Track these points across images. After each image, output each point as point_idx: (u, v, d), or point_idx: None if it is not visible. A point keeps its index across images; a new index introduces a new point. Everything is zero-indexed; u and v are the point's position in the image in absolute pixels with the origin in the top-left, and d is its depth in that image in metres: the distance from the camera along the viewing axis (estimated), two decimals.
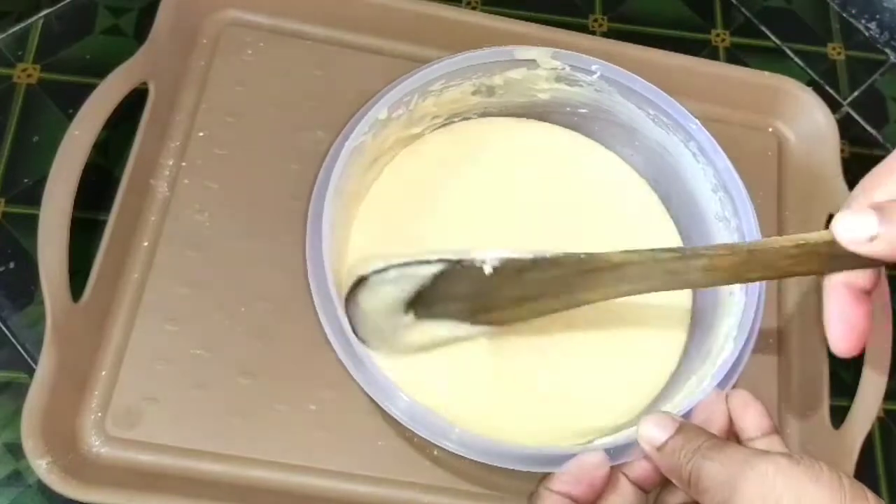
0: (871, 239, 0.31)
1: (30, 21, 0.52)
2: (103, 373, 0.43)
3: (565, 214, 0.48)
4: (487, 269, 0.39)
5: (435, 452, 0.43)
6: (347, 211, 0.45)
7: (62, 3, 0.53)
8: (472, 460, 0.38)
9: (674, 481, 0.35)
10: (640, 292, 0.39)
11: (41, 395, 0.39)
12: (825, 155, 0.52)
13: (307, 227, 0.42)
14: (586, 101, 0.49)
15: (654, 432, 0.35)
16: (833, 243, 0.32)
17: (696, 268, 0.37)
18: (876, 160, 0.34)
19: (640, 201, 0.50)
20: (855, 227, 0.31)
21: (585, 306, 0.41)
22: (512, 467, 0.38)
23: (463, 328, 0.42)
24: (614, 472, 0.37)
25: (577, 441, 0.42)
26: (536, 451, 0.38)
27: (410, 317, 0.41)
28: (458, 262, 0.39)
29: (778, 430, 0.37)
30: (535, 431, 0.42)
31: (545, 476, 0.38)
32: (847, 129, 0.57)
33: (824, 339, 0.47)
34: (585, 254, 0.38)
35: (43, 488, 0.41)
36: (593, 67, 0.46)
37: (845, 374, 0.50)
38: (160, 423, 0.42)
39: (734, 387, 0.40)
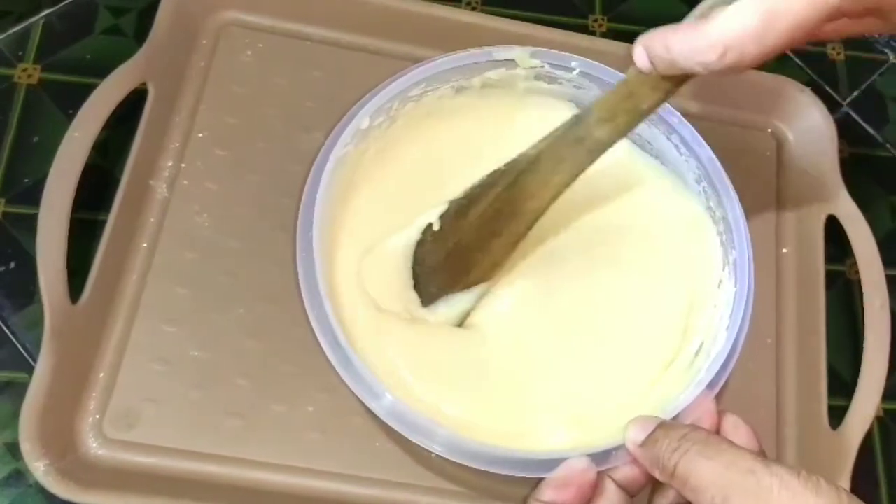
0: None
1: (30, 21, 0.52)
2: (102, 374, 0.43)
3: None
4: (436, 226, 0.42)
5: (432, 455, 0.43)
6: (334, 217, 0.45)
7: (63, 4, 0.53)
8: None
9: (657, 475, 0.35)
10: (572, 177, 0.39)
11: (39, 397, 0.40)
12: (824, 155, 0.51)
13: (296, 241, 0.41)
14: (565, 99, 0.49)
15: (636, 432, 0.37)
16: None
17: (593, 123, 0.37)
18: (875, 160, 0.34)
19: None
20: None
21: (579, 310, 0.44)
22: (498, 472, 0.38)
23: (460, 299, 0.44)
24: (601, 476, 0.38)
25: (573, 436, 0.42)
26: (523, 455, 0.38)
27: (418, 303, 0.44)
28: (426, 228, 0.42)
29: (765, 454, 0.37)
30: (533, 429, 0.42)
31: (538, 483, 0.38)
32: (846, 129, 0.57)
33: (823, 339, 0.48)
34: (505, 164, 0.40)
35: (43, 488, 0.41)
36: (573, 64, 0.46)
37: (844, 374, 0.50)
38: (158, 424, 0.42)
39: (727, 382, 0.41)
